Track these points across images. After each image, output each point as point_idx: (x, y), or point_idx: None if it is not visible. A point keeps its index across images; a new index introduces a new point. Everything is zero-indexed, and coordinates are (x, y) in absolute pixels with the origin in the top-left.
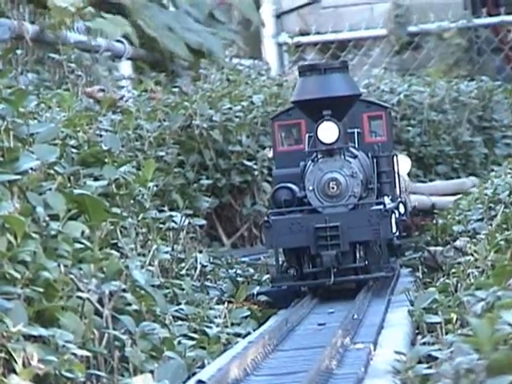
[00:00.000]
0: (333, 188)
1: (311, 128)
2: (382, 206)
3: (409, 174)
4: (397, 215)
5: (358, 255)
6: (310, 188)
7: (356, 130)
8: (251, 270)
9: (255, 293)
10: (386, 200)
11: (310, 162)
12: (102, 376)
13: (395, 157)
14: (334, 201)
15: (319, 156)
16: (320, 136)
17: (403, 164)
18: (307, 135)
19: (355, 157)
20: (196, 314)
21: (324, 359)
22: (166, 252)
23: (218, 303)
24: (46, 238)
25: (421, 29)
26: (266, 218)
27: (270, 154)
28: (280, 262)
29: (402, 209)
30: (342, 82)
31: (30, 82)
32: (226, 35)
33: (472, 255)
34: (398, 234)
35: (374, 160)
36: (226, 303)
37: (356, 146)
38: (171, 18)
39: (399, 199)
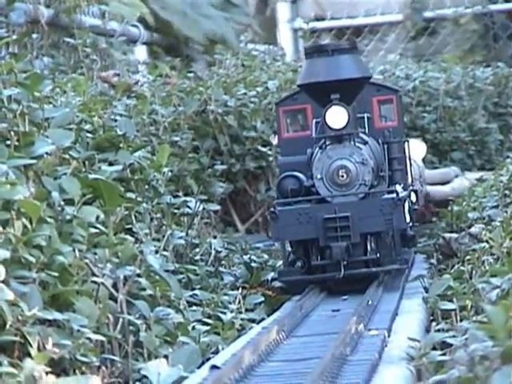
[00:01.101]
0: (342, 176)
1: (318, 113)
2: (394, 195)
3: (424, 160)
4: (410, 204)
5: (369, 247)
6: (318, 176)
7: (366, 115)
8: (265, 256)
9: (269, 279)
10: (398, 188)
11: (317, 149)
12: (116, 360)
13: (407, 142)
14: (344, 190)
15: (327, 142)
16: (328, 121)
17: (418, 149)
18: (314, 121)
19: (365, 143)
20: (210, 300)
21: (338, 345)
22: (181, 237)
23: (232, 289)
24: (61, 222)
25: (437, 14)
26: (271, 209)
27: (275, 141)
28: (287, 255)
29: (413, 197)
30: (351, 63)
31: (45, 67)
32: (241, 19)
33: (487, 242)
34: (411, 223)
35: (385, 146)
36: (240, 289)
37: (366, 131)
38: (186, 3)
39: (411, 187)
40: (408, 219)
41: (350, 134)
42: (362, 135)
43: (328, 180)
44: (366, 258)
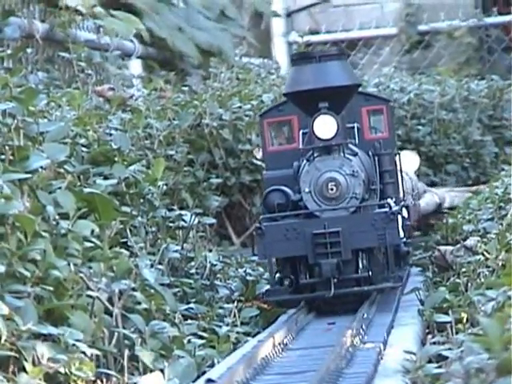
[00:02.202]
0: (332, 189)
1: (305, 124)
2: (387, 209)
3: (417, 173)
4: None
5: (360, 264)
6: (307, 190)
7: (356, 125)
8: (261, 269)
9: (265, 292)
10: (390, 202)
11: (304, 161)
12: (111, 375)
13: (398, 155)
14: (334, 203)
15: (315, 154)
16: (316, 131)
17: (411, 162)
18: (301, 132)
19: (355, 154)
20: (205, 313)
21: (334, 359)
22: (176, 251)
23: (227, 302)
24: (56, 236)
25: (431, 27)
26: (257, 225)
27: (259, 155)
28: (274, 273)
29: (405, 213)
30: (340, 70)
31: (40, 81)
32: (237, 31)
33: (482, 254)
34: (405, 239)
35: (376, 158)
36: (236, 302)
37: (356, 142)
38: (181, 17)
39: (402, 203)
40: (402, 234)
41: (339, 144)
42: (351, 146)
43: (317, 193)
44: (358, 275)
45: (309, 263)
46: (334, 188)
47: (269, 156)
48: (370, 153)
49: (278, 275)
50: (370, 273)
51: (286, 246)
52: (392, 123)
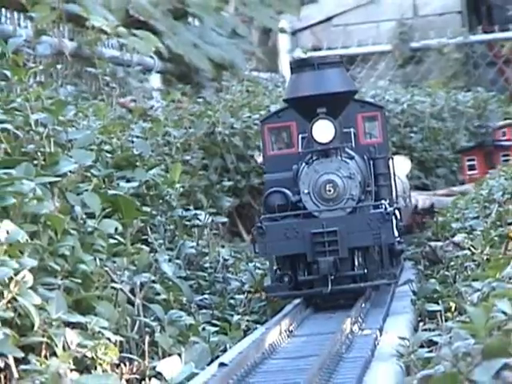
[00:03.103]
0: (329, 190)
1: (304, 129)
2: (382, 209)
3: (409, 176)
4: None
5: (356, 262)
6: (305, 191)
7: (352, 130)
8: (268, 263)
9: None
10: (385, 203)
11: (303, 164)
12: (133, 359)
13: (392, 159)
14: (331, 204)
15: (314, 157)
16: (315, 135)
17: (402, 166)
18: (300, 136)
19: (352, 158)
20: (218, 303)
21: (334, 344)
22: (192, 247)
23: (238, 293)
24: (84, 234)
25: (422, 44)
26: (258, 224)
27: (260, 159)
28: (274, 270)
29: (397, 214)
30: (337, 77)
31: (69, 94)
32: (247, 47)
33: (469, 249)
34: (399, 238)
35: (371, 162)
36: (246, 293)
37: (352, 146)
38: (196, 34)
39: (395, 205)
40: (396, 234)
41: (336, 148)
42: (348, 150)
43: (315, 195)
44: (354, 272)
45: (307, 261)
46: (332, 189)
47: (269, 160)
48: (366, 157)
49: (278, 272)
50: (366, 270)
51: (285, 245)
52: (386, 129)
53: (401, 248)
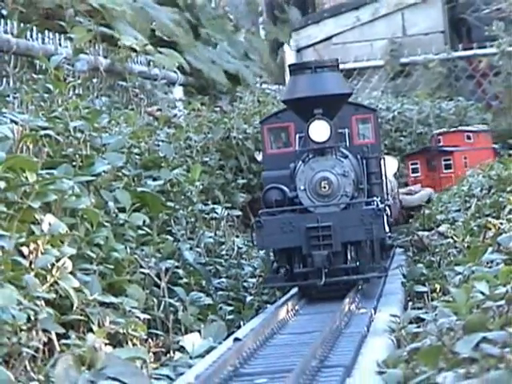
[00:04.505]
0: (324, 187)
1: (301, 129)
2: (374, 206)
3: (397, 175)
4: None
5: (349, 255)
6: (302, 188)
7: (346, 131)
8: None
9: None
10: (376, 200)
11: (300, 162)
12: (159, 334)
13: (383, 159)
14: (326, 200)
15: (310, 156)
16: (311, 135)
17: (390, 165)
18: (297, 135)
19: (346, 157)
20: (234, 286)
21: (335, 321)
22: (210, 237)
23: (251, 277)
24: (116, 226)
25: (410, 60)
26: (257, 219)
27: (260, 157)
28: (271, 262)
29: (388, 211)
30: (333, 80)
31: (103, 104)
32: (255, 70)
33: (452, 238)
34: (389, 233)
35: (364, 161)
36: (257, 277)
37: (347, 145)
38: (214, 54)
39: (386, 202)
40: (387, 229)
41: (331, 147)
42: (342, 149)
43: (311, 191)
44: (347, 266)
45: (302, 254)
46: (327, 186)
47: (267, 158)
48: (359, 156)
49: (275, 264)
50: (358, 263)
51: (282, 238)
52: (378, 130)
53: (391, 243)
